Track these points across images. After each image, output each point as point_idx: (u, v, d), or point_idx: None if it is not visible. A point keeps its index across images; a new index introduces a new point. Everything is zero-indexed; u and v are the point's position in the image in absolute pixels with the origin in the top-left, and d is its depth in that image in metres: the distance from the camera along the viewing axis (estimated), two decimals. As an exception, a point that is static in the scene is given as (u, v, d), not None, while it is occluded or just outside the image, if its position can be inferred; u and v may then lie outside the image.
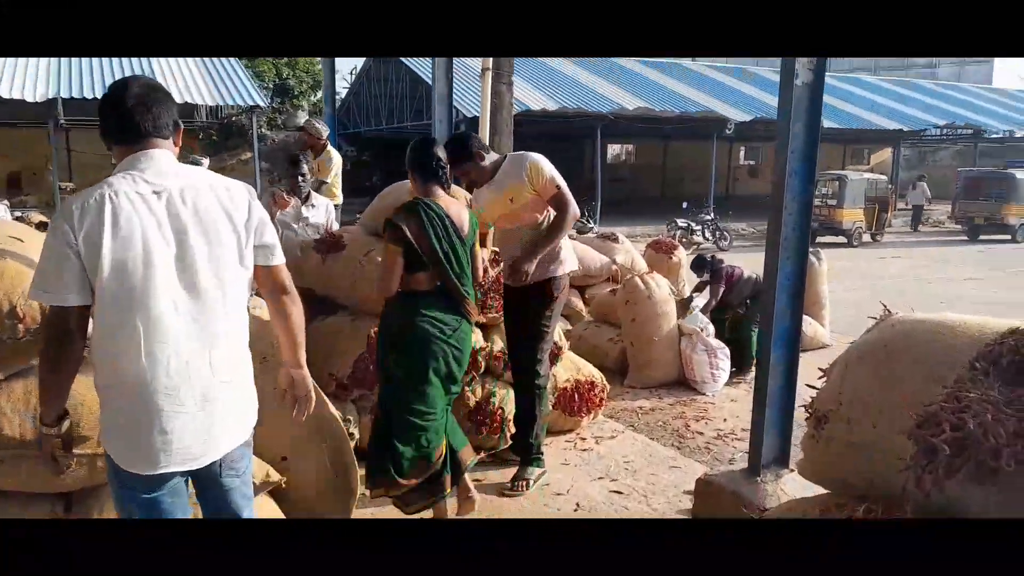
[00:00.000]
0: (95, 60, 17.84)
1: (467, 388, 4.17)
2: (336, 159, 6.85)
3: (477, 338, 4.20)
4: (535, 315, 3.79)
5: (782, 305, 3.05)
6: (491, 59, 5.90)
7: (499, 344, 4.31)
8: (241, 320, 2.07)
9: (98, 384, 1.97)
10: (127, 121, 1.94)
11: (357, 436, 3.98)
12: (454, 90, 5.45)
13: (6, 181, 19.54)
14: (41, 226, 7.05)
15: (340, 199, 6.85)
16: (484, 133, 6.42)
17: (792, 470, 3.16)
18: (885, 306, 1.97)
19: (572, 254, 3.93)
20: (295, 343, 2.23)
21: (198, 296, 1.93)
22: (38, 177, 19.46)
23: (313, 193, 5.22)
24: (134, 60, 18.16)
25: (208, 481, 2.10)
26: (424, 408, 3.18)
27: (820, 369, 2.01)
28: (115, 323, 1.87)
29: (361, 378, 3.95)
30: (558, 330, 4.50)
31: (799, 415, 2.28)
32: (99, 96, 14.62)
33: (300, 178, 5.03)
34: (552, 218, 3.76)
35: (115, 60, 18.00)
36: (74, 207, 1.84)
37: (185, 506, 2.07)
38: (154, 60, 18.33)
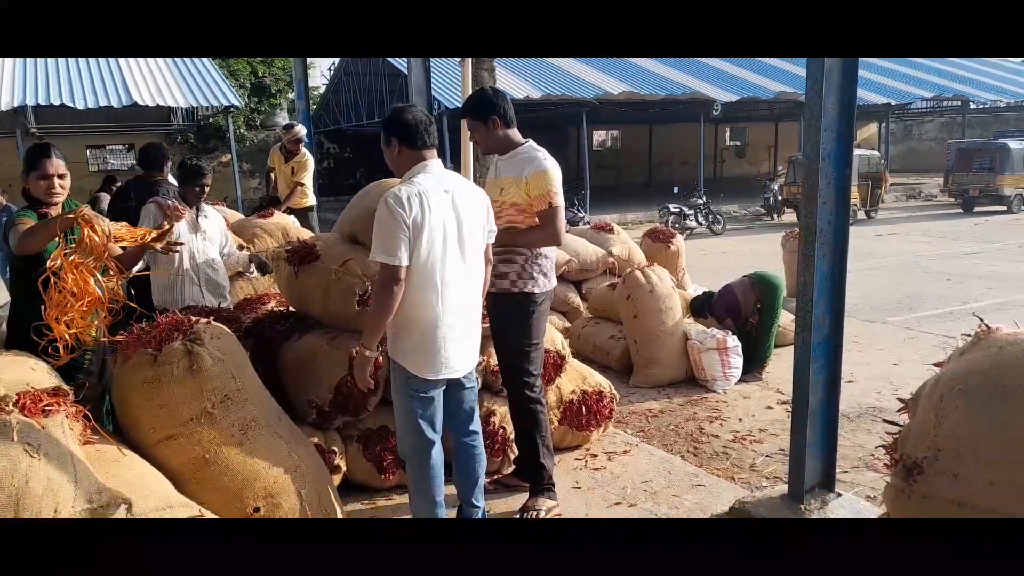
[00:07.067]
0: (63, 66, 17.17)
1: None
2: (311, 161, 6.44)
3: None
4: (512, 331, 3.42)
5: (820, 311, 2.59)
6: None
7: (496, 358, 3.87)
8: (483, 278, 3.05)
9: (398, 319, 2.79)
10: (418, 134, 2.84)
11: (344, 468, 3.58)
12: (434, 80, 5.06)
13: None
14: None
15: (313, 201, 6.45)
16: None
17: (839, 494, 2.77)
18: (982, 320, 1.56)
19: (552, 274, 3.50)
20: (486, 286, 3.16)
21: (467, 262, 2.88)
22: (14, 188, 18.70)
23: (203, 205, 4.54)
24: (103, 63, 17.55)
25: (456, 386, 3.03)
26: None
27: (900, 400, 1.61)
28: (424, 279, 2.76)
29: (344, 404, 3.53)
30: (559, 339, 4.10)
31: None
32: (69, 103, 14.22)
33: (203, 189, 4.42)
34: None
35: (83, 66, 17.35)
36: (403, 197, 2.70)
37: (441, 402, 2.97)
38: (125, 62, 17.72)
